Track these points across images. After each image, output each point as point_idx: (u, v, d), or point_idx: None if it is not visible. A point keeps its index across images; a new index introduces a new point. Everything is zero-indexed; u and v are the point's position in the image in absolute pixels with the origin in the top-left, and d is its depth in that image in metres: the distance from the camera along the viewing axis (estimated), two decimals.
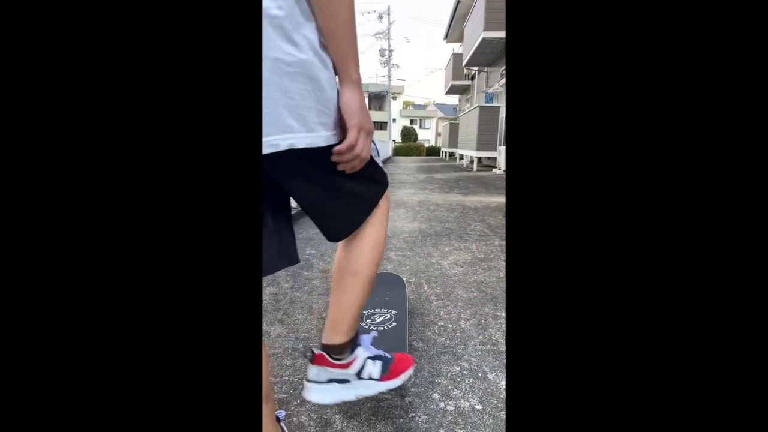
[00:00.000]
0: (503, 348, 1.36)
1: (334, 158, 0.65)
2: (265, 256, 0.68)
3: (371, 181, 0.75)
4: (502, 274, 2.09)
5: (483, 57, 9.87)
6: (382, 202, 0.79)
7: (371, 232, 0.77)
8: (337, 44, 0.61)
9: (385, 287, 1.67)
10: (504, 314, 1.62)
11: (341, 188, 0.69)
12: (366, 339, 0.85)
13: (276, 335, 1.45)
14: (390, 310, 1.48)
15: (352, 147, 0.65)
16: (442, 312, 1.64)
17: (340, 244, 0.80)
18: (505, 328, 1.50)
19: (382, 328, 1.36)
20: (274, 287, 1.91)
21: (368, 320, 1.42)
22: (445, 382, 1.17)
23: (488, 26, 8.15)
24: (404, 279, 1.80)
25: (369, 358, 0.83)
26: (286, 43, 0.56)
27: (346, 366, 0.79)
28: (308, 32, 0.58)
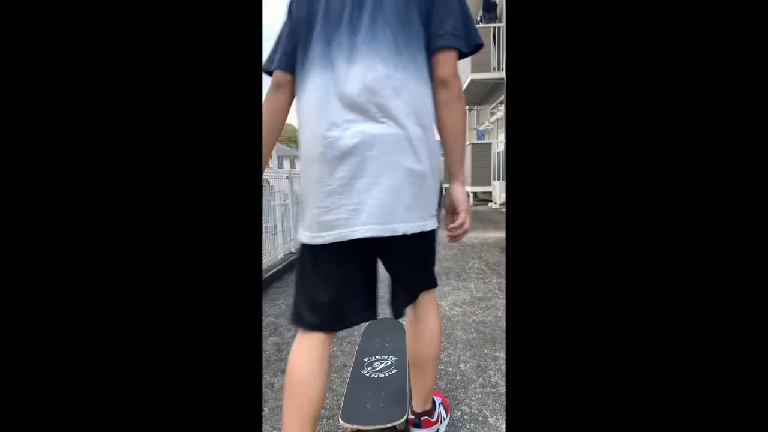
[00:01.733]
0: (503, 390, 1.39)
1: (448, 232, 0.91)
2: (350, 310, 0.88)
3: (431, 269, 0.98)
4: (500, 314, 2.12)
5: (472, 96, 10.29)
6: (431, 296, 0.99)
7: (424, 325, 0.98)
8: (454, 158, 0.89)
9: (385, 333, 1.69)
10: (503, 354, 1.65)
11: (420, 268, 0.94)
12: None
13: (280, 386, 1.47)
14: (390, 357, 1.49)
15: (462, 224, 0.89)
16: (442, 355, 1.67)
17: (408, 336, 1.03)
18: (504, 369, 1.53)
19: (383, 375, 1.38)
20: (276, 337, 1.94)
21: (369, 367, 1.43)
22: (446, 427, 1.19)
23: (475, 69, 8.56)
24: (403, 321, 1.83)
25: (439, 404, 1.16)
26: (412, 157, 0.79)
27: (438, 421, 1.10)
28: (430, 152, 0.82)
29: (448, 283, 2.73)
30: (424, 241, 0.88)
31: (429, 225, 0.85)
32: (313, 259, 0.85)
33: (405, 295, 0.95)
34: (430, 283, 0.97)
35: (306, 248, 0.85)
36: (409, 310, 0.98)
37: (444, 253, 3.73)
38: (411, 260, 0.90)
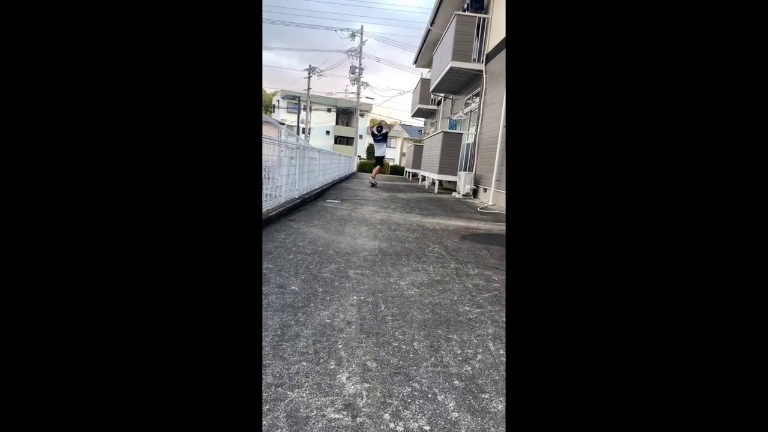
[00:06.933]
0: (453, 370, 1.41)
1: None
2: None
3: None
4: (456, 297, 2.16)
5: (449, 84, 10.30)
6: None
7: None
8: None
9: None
10: (456, 336, 1.68)
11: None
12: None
13: None
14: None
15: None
16: (397, 333, 1.67)
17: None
18: (456, 351, 1.56)
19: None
20: None
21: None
22: (396, 402, 1.19)
23: (456, 57, 8.54)
24: (362, 298, 1.83)
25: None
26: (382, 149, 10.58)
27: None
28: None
29: (408, 263, 2.74)
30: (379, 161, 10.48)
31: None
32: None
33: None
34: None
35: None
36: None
37: (406, 235, 3.75)
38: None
